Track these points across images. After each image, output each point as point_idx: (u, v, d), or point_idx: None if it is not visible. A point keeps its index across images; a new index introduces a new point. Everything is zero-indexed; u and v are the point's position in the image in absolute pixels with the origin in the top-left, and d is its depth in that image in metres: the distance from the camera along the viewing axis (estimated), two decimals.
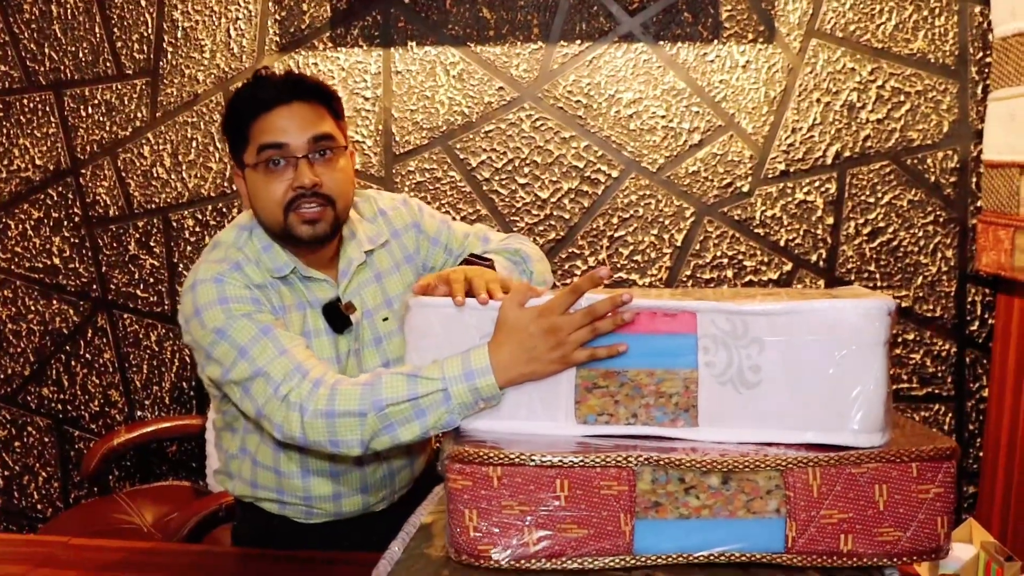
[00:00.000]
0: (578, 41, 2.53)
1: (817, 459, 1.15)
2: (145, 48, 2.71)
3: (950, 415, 2.54)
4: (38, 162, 2.81)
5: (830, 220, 2.51)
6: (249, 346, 1.50)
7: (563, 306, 1.29)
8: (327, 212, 1.57)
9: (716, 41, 2.49)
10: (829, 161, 2.50)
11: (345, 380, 1.44)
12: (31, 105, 2.79)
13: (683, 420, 1.23)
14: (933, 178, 2.47)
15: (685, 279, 2.57)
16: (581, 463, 1.15)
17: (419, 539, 1.34)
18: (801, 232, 2.52)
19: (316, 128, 1.56)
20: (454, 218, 2.59)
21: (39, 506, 2.95)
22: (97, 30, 2.73)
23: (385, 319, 1.71)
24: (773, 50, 2.48)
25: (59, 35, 2.75)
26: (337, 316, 1.65)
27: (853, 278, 2.52)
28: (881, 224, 2.50)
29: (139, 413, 2.84)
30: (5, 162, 2.83)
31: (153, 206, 2.75)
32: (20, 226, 2.84)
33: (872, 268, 2.51)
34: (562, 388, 1.29)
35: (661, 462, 1.15)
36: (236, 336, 1.52)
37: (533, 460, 1.15)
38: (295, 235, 1.58)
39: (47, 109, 2.79)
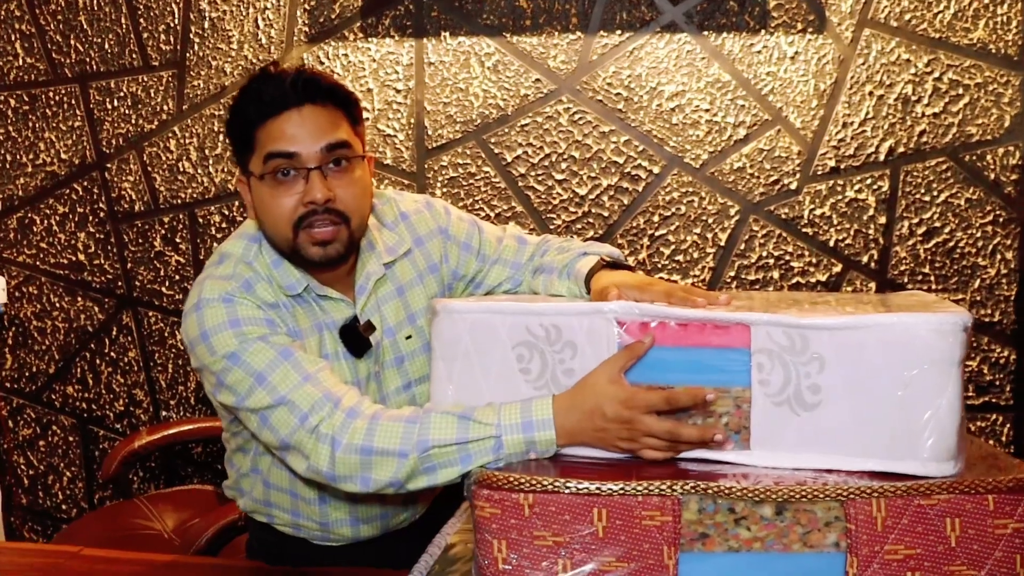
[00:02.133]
0: (618, 31, 2.42)
1: (882, 489, 1.04)
2: (171, 39, 2.63)
3: (1008, 425, 2.41)
4: (63, 156, 2.75)
5: (882, 219, 2.39)
6: (267, 372, 1.37)
7: (651, 407, 1.16)
8: (341, 231, 1.44)
9: (763, 31, 2.38)
10: (882, 157, 2.38)
11: (385, 413, 1.32)
12: (56, 98, 2.73)
13: (734, 443, 1.13)
14: (992, 176, 2.34)
15: (729, 280, 2.46)
16: (621, 491, 1.05)
17: (443, 564, 1.24)
18: (852, 232, 2.41)
19: (330, 136, 1.42)
20: (487, 217, 2.50)
21: (63, 506, 2.90)
22: (123, 21, 2.66)
23: (408, 337, 1.57)
24: (823, 40, 2.36)
25: (85, 26, 2.68)
26: (355, 339, 1.51)
27: (906, 280, 2.40)
28: (937, 224, 2.37)
29: (164, 413, 2.78)
30: (31, 156, 2.77)
31: (179, 201, 2.69)
32: (45, 221, 2.79)
33: (927, 270, 2.39)
34: None
35: (709, 490, 1.05)
36: (252, 361, 1.39)
37: (568, 487, 1.06)
38: (305, 255, 1.44)
39: (72, 102, 2.72)
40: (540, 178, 2.50)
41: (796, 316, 1.09)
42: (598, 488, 1.05)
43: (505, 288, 1.68)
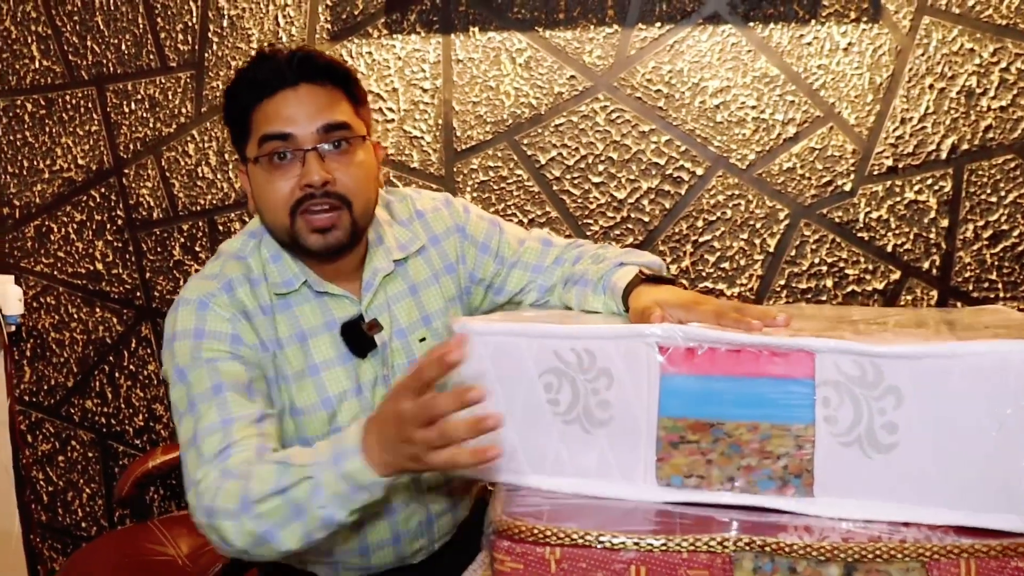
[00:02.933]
0: (658, 23, 2.27)
1: (972, 548, 0.88)
2: (190, 39, 2.52)
3: None
4: (80, 162, 2.65)
5: (944, 222, 2.23)
6: (199, 400, 1.28)
7: (409, 390, 1.03)
8: (343, 217, 1.35)
9: (814, 21, 2.22)
10: (944, 155, 2.21)
11: (235, 467, 1.19)
12: (73, 101, 2.64)
13: (794, 488, 0.97)
14: None
15: (779, 289, 2.30)
16: (663, 546, 0.91)
17: None
18: (911, 236, 2.24)
19: (328, 115, 1.35)
20: (520, 223, 2.37)
21: (83, 524, 2.80)
22: (140, 21, 2.55)
23: (422, 340, 1.45)
24: (879, 30, 2.20)
25: (101, 27, 2.58)
26: (358, 337, 1.40)
27: (971, 288, 2.23)
28: (1004, 227, 2.20)
29: None
30: (47, 162, 2.68)
31: (198, 208, 2.57)
32: (62, 229, 2.69)
33: (993, 277, 2.22)
34: (641, 440, 1.04)
35: (766, 546, 0.90)
36: (193, 383, 1.30)
37: (601, 541, 0.91)
38: (304, 244, 1.35)
39: (89, 105, 2.62)
40: (576, 181, 2.36)
41: (868, 343, 0.94)
42: (636, 543, 0.91)
43: (532, 296, 1.54)
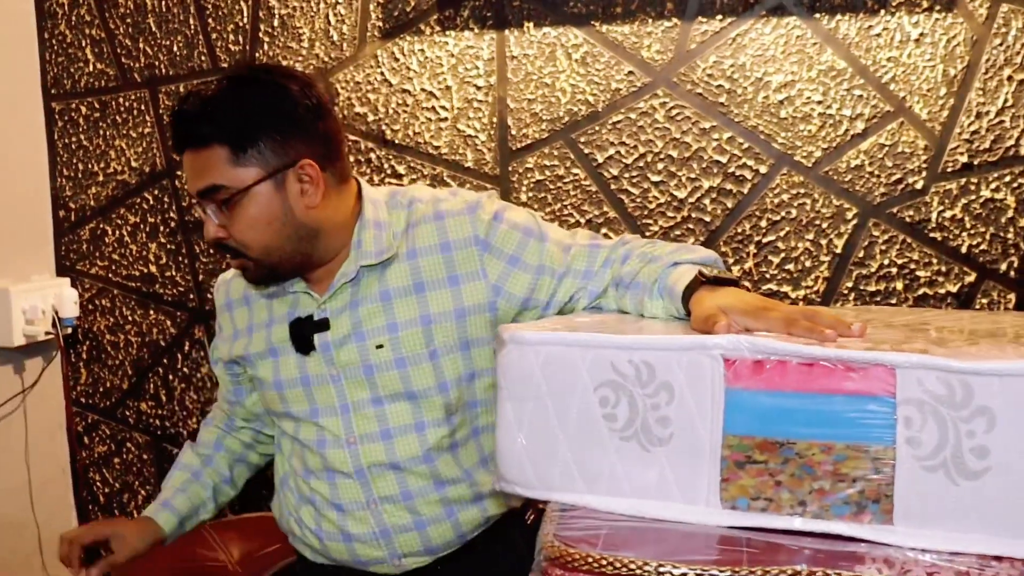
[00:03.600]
0: (719, 16, 2.20)
1: None
2: (240, 39, 2.50)
3: None
4: (134, 164, 2.64)
5: (1023, 222, 2.12)
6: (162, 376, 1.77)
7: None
8: (246, 263, 1.45)
9: (883, 11, 2.13)
10: (1023, 151, 2.10)
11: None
12: (126, 104, 2.63)
13: (872, 515, 0.90)
14: None
15: (846, 292, 2.21)
16: None
17: None
18: (987, 236, 2.13)
19: (201, 181, 1.41)
20: (577, 224, 2.30)
21: None
22: (192, 22, 2.54)
23: (379, 347, 1.45)
24: (953, 20, 2.10)
25: (153, 29, 2.57)
26: (299, 334, 1.49)
27: None
28: None
29: None
30: (102, 165, 2.67)
31: None
32: (117, 232, 2.69)
33: None
34: (704, 460, 0.97)
35: None
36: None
37: (662, 572, 0.84)
38: None
39: (142, 108, 2.62)
40: (635, 180, 2.29)
41: (956, 359, 0.86)
42: (699, 574, 0.84)
43: (583, 303, 1.46)
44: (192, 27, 2.53)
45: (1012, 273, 2.13)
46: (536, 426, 1.04)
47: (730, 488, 0.95)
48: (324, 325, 1.47)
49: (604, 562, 0.86)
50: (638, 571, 0.84)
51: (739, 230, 2.25)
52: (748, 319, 1.04)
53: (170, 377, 2.70)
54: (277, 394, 1.54)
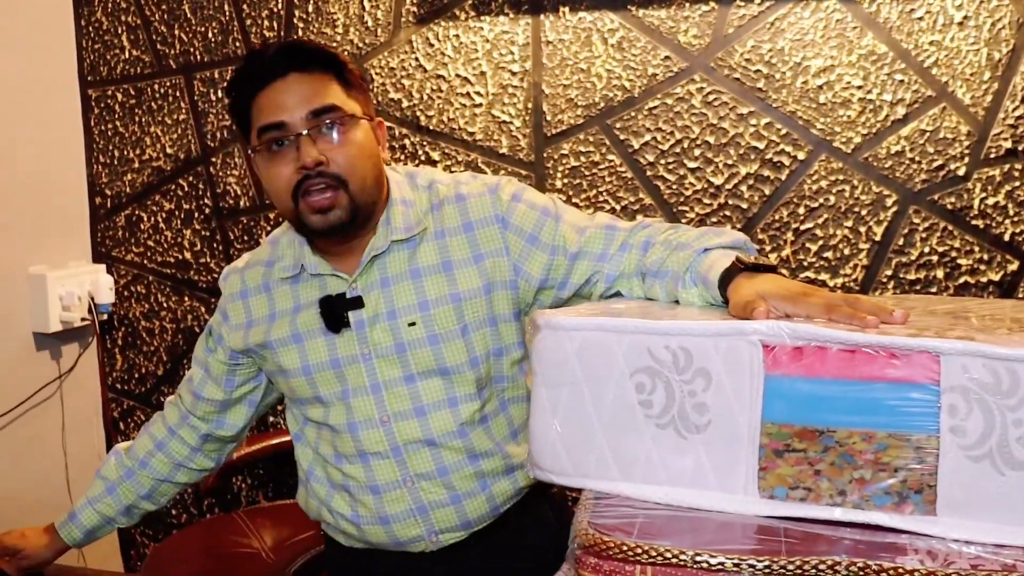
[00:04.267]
0: (757, 0, 2.16)
1: None
2: (275, 25, 2.50)
3: None
4: (169, 151, 2.65)
5: None
6: (191, 363, 1.70)
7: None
8: (340, 196, 1.40)
9: None
10: None
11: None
12: (162, 91, 2.64)
13: (914, 505, 0.88)
14: None
15: (885, 280, 2.18)
16: (766, 568, 0.82)
17: None
18: None
19: (317, 100, 1.40)
20: (612, 210, 2.28)
21: (173, 511, 2.82)
22: (226, 8, 2.54)
23: (412, 324, 1.46)
24: (998, 2, 2.06)
25: (188, 16, 2.58)
26: (331, 312, 1.47)
27: None
28: None
29: (271, 419, 2.66)
30: (137, 151, 2.69)
31: None
32: (152, 219, 2.70)
33: None
34: (742, 448, 0.95)
35: (883, 572, 0.80)
36: (197, 345, 1.70)
37: (697, 561, 0.83)
38: (308, 226, 1.42)
39: (177, 94, 2.62)
40: (671, 167, 2.27)
41: (1003, 345, 0.83)
42: (736, 564, 0.82)
43: (600, 287, 1.45)
44: (227, 13, 2.54)
45: None
46: (571, 412, 1.03)
47: (768, 477, 0.93)
48: (358, 303, 1.47)
49: (639, 551, 0.84)
50: (674, 560, 0.83)
51: (776, 217, 2.22)
52: (788, 305, 1.02)
53: None
54: (305, 379, 1.52)
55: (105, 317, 2.70)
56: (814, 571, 0.81)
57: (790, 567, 0.81)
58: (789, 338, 0.93)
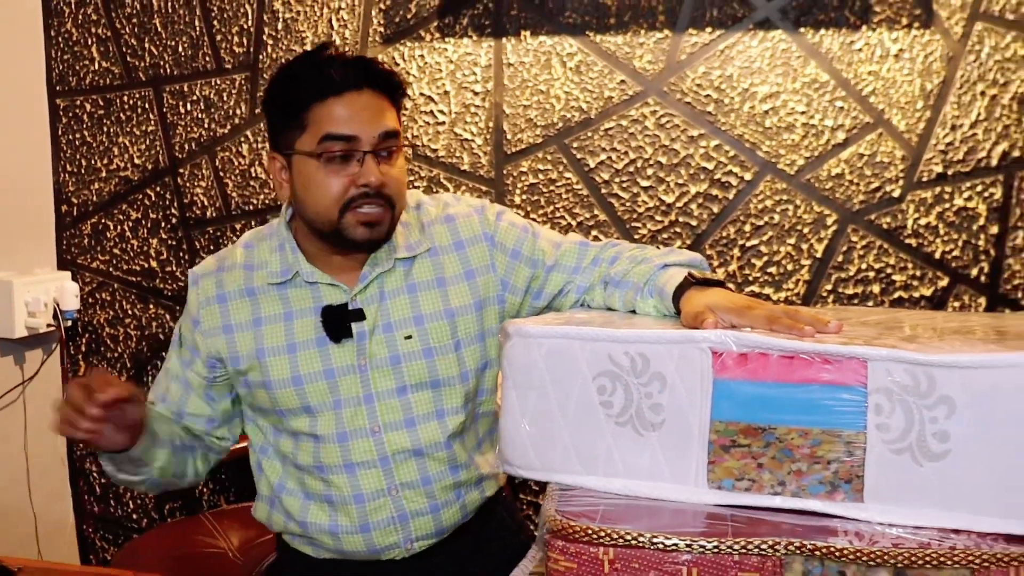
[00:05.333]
0: (708, 29, 2.28)
1: (1022, 556, 0.89)
2: (245, 41, 2.57)
3: None
4: (136, 161, 2.71)
5: (994, 230, 2.21)
6: (160, 377, 1.64)
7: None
8: (387, 215, 1.45)
9: (865, 27, 2.22)
10: (994, 162, 2.20)
11: None
12: (131, 102, 2.69)
13: (844, 494, 0.99)
14: None
15: (825, 295, 2.30)
16: (715, 549, 0.93)
17: None
18: (960, 243, 2.23)
19: (386, 123, 1.44)
20: (568, 226, 2.39)
21: (134, 516, 2.86)
22: (197, 23, 2.61)
23: (408, 337, 1.51)
24: (930, 36, 2.19)
25: (159, 29, 2.64)
26: (335, 321, 1.49)
27: (1020, 296, 2.22)
28: None
29: None
30: (105, 161, 2.74)
31: (251, 207, 2.62)
32: (118, 227, 2.75)
33: None
34: (693, 444, 1.06)
35: (816, 550, 0.91)
36: (168, 359, 1.64)
37: (654, 543, 0.93)
38: (349, 237, 1.44)
39: (146, 106, 2.68)
40: (625, 185, 2.38)
41: (921, 351, 0.95)
42: (688, 544, 0.93)
43: (571, 297, 1.56)
44: (197, 28, 2.60)
45: (983, 278, 2.23)
46: (539, 413, 1.12)
47: (716, 470, 1.04)
48: (360, 315, 1.50)
49: (603, 534, 0.94)
50: (633, 542, 0.93)
51: (724, 234, 2.34)
52: (733, 316, 1.13)
53: None
54: (295, 390, 1.51)
55: (70, 324, 2.73)
56: (757, 550, 0.91)
57: (736, 547, 0.92)
58: (735, 346, 1.03)
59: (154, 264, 2.73)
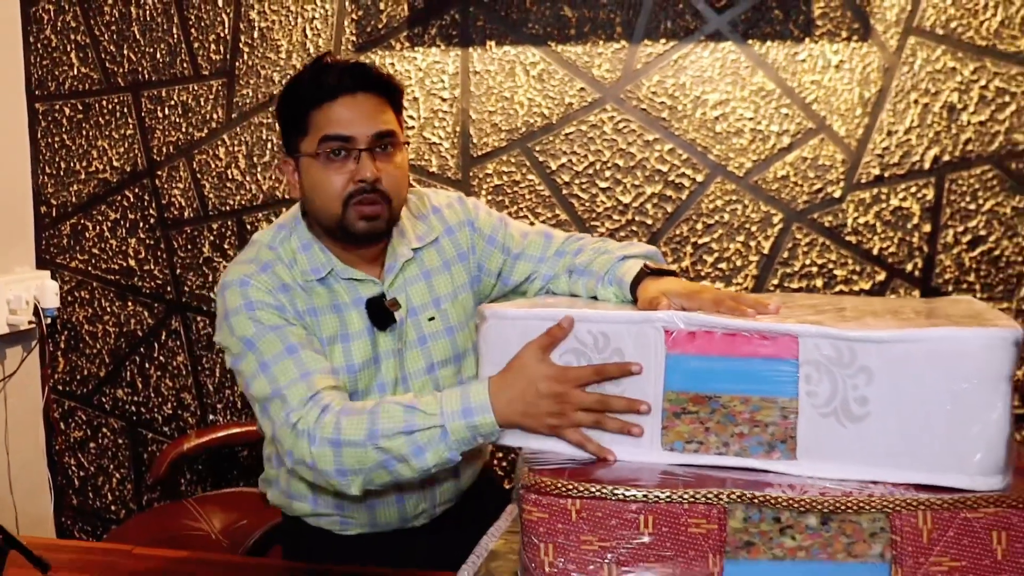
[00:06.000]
0: (663, 40, 2.43)
1: (928, 501, 1.05)
2: (221, 49, 2.68)
3: None
4: (115, 163, 2.80)
5: (927, 228, 2.38)
6: (272, 363, 1.49)
7: (581, 380, 1.23)
8: (384, 209, 1.54)
9: (808, 40, 2.38)
10: (927, 166, 2.36)
11: (351, 407, 1.40)
12: (109, 107, 2.79)
13: (780, 452, 1.14)
14: None
15: (772, 288, 2.46)
16: (668, 499, 1.07)
17: (489, 564, 1.26)
18: (896, 240, 2.40)
19: (381, 123, 1.54)
20: (531, 224, 2.52)
21: (112, 507, 2.95)
22: (175, 31, 2.71)
23: (431, 319, 1.64)
24: (868, 49, 2.36)
25: (138, 36, 2.74)
26: (381, 311, 1.59)
27: (951, 289, 2.38)
28: (982, 232, 2.36)
29: (211, 417, 2.82)
30: (84, 163, 2.83)
31: (227, 208, 2.73)
32: (97, 227, 2.84)
33: (971, 279, 2.37)
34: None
35: (755, 499, 1.06)
36: (263, 350, 1.50)
37: (616, 494, 1.07)
38: (351, 230, 1.54)
39: (125, 111, 2.78)
40: (584, 186, 2.52)
41: (844, 328, 1.10)
42: (645, 495, 1.07)
43: (536, 284, 1.71)
44: (175, 36, 2.71)
45: (916, 272, 2.40)
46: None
47: (669, 434, 1.18)
48: (396, 304, 1.61)
49: (571, 487, 1.08)
50: (597, 493, 1.07)
51: (678, 232, 2.49)
52: (684, 300, 1.27)
53: (147, 365, 2.86)
54: (348, 377, 1.57)
55: (49, 321, 2.82)
56: (704, 499, 1.06)
57: (686, 496, 1.06)
58: (684, 325, 1.18)
59: (132, 263, 2.83)
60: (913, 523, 1.04)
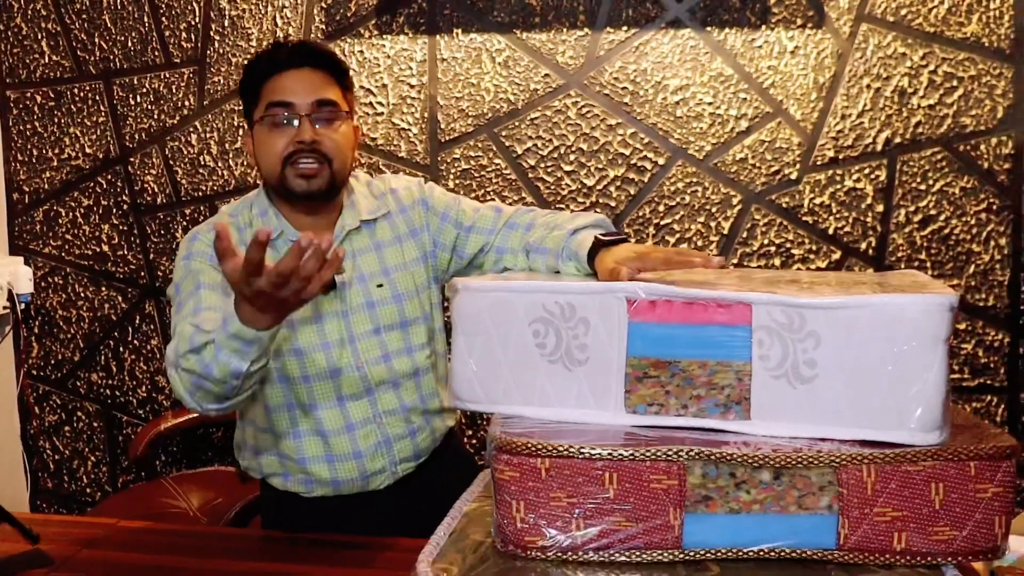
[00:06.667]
0: (624, 27, 2.51)
1: (872, 456, 1.12)
2: (192, 37, 2.72)
3: (1002, 406, 2.50)
4: (88, 150, 2.84)
5: (880, 208, 2.48)
6: (184, 300, 1.63)
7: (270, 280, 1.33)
8: (323, 169, 1.67)
9: (764, 27, 2.46)
10: (879, 148, 2.46)
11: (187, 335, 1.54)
12: (81, 95, 2.82)
13: (735, 413, 1.21)
14: (986, 165, 2.42)
15: (732, 268, 2.54)
16: (631, 456, 1.14)
17: (464, 524, 1.33)
18: (850, 220, 2.49)
19: (321, 92, 1.68)
20: None
21: (88, 490, 2.99)
22: (146, 19, 2.74)
23: (379, 286, 1.76)
24: (822, 35, 2.44)
25: (109, 25, 2.77)
26: None
27: (903, 267, 2.48)
28: (932, 212, 2.46)
29: None
30: (56, 151, 2.86)
31: (200, 194, 2.77)
32: (70, 214, 2.87)
33: (923, 256, 2.47)
34: (612, 377, 1.27)
35: (712, 456, 1.13)
36: (182, 289, 1.65)
37: (582, 452, 1.14)
38: (290, 188, 1.68)
39: (96, 98, 2.81)
40: (549, 170, 2.59)
41: (794, 296, 1.18)
42: (610, 454, 1.14)
43: (491, 257, 1.81)
44: (146, 24, 2.74)
45: (870, 251, 2.49)
46: (483, 354, 1.33)
47: (632, 397, 1.25)
48: (339, 269, 1.68)
49: (540, 446, 1.15)
50: (565, 452, 1.14)
51: (640, 214, 2.56)
52: (637, 263, 1.37)
53: (121, 349, 2.90)
54: (287, 332, 1.70)
55: (23, 306, 2.85)
56: (664, 456, 1.13)
57: (647, 454, 1.13)
58: (645, 294, 1.25)
59: (106, 248, 2.86)
60: (858, 476, 1.12)
